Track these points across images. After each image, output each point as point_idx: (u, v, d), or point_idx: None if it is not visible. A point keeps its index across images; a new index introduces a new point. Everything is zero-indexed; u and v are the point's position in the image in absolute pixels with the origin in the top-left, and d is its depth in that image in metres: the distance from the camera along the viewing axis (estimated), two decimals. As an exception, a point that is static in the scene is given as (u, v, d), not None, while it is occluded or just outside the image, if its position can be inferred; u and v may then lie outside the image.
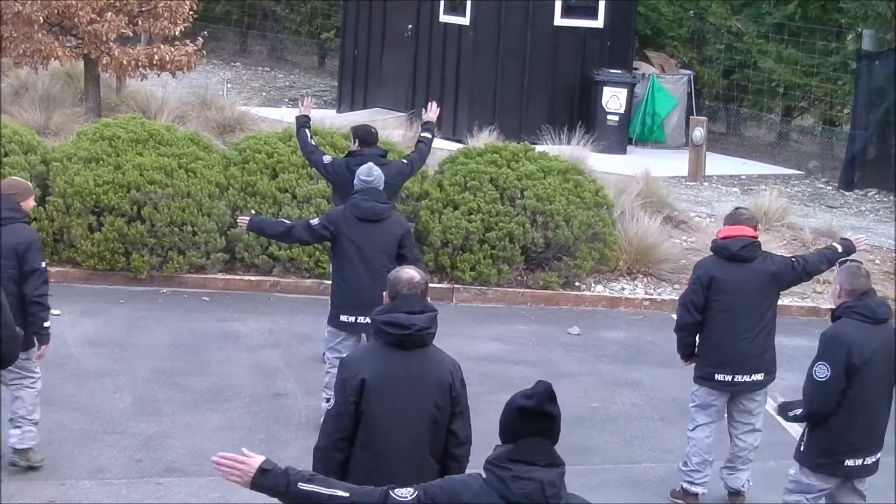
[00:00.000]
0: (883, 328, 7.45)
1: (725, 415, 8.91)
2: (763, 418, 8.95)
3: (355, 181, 9.48)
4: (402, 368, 5.83)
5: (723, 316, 8.61)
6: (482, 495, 4.46)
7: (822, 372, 7.36)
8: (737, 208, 9.28)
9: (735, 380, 8.65)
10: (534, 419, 4.51)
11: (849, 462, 7.47)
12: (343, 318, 9.25)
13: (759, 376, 8.71)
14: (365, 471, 5.78)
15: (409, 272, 6.05)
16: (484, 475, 4.52)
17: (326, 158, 10.82)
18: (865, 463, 7.52)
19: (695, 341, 8.84)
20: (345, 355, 9.12)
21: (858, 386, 7.36)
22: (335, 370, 9.42)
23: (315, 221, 9.43)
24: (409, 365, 5.84)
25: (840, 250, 8.86)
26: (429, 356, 5.91)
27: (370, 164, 9.61)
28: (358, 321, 9.16)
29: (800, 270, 8.79)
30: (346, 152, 10.95)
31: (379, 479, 5.28)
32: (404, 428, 5.82)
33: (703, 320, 8.72)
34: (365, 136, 10.66)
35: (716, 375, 8.65)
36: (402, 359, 5.84)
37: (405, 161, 10.93)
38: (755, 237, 8.76)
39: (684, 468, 8.85)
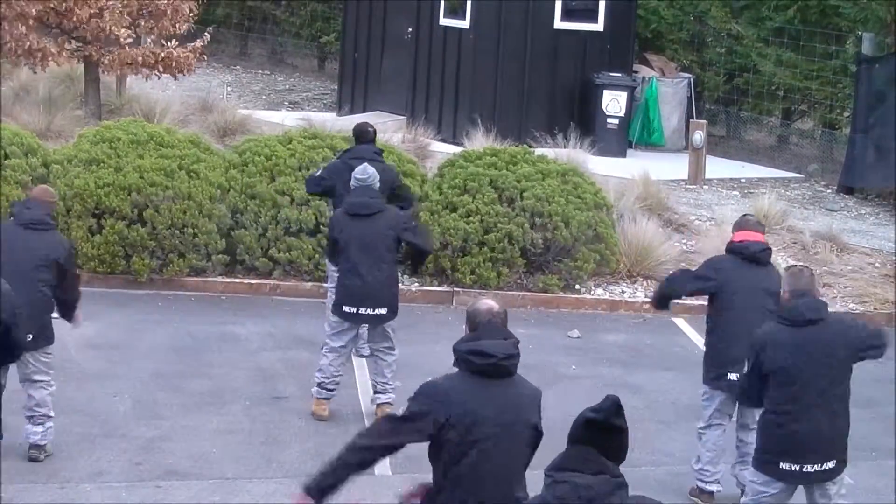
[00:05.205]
0: (808, 331, 7.28)
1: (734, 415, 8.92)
2: None
3: (351, 181, 9.92)
4: (489, 400, 5.67)
5: (730, 315, 8.60)
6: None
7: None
8: (744, 215, 9.31)
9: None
10: (600, 432, 4.74)
11: (784, 465, 7.30)
12: (346, 308, 9.70)
13: None
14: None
15: (488, 302, 5.95)
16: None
17: (317, 172, 11.27)
18: (804, 470, 7.29)
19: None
20: (345, 346, 9.68)
21: (783, 389, 7.26)
22: (331, 355, 9.69)
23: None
24: (496, 396, 5.70)
25: None
26: (515, 385, 5.79)
27: (365, 163, 10.01)
28: (359, 312, 9.65)
29: None
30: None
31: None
32: (495, 459, 5.69)
33: (710, 320, 8.79)
34: (359, 133, 11.13)
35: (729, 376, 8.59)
36: (489, 389, 5.69)
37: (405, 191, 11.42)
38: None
39: (696, 465, 8.93)
